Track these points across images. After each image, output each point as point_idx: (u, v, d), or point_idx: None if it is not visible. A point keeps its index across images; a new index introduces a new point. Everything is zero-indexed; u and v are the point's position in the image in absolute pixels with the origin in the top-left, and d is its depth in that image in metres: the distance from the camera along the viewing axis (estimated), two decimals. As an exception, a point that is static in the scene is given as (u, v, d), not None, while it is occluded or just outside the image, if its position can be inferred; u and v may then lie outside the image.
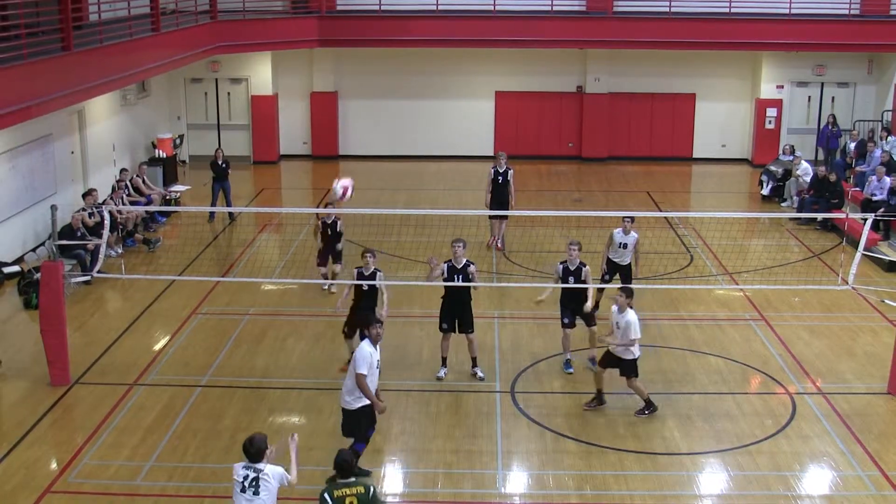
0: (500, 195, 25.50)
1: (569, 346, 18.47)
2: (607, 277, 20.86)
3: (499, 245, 25.55)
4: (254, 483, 11.31)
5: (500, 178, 25.42)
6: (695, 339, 20.03)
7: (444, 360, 18.30)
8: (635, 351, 16.43)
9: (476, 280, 17.98)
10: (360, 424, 14.60)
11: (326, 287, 22.56)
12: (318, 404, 17.00)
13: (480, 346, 18.84)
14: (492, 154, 37.64)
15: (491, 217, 25.73)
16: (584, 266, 18.06)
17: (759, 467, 15.13)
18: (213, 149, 30.30)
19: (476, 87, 37.78)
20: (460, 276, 17.79)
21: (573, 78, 37.70)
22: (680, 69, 37.14)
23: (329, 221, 22.46)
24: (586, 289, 18.01)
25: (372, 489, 11.44)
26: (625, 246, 20.52)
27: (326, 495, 11.38)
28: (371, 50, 36.32)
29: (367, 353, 14.37)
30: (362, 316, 16.91)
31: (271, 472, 11.43)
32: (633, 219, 20.53)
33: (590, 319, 18.33)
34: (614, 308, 16.53)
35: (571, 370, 18.37)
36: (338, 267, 22.66)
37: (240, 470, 11.41)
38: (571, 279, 18.04)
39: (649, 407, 16.67)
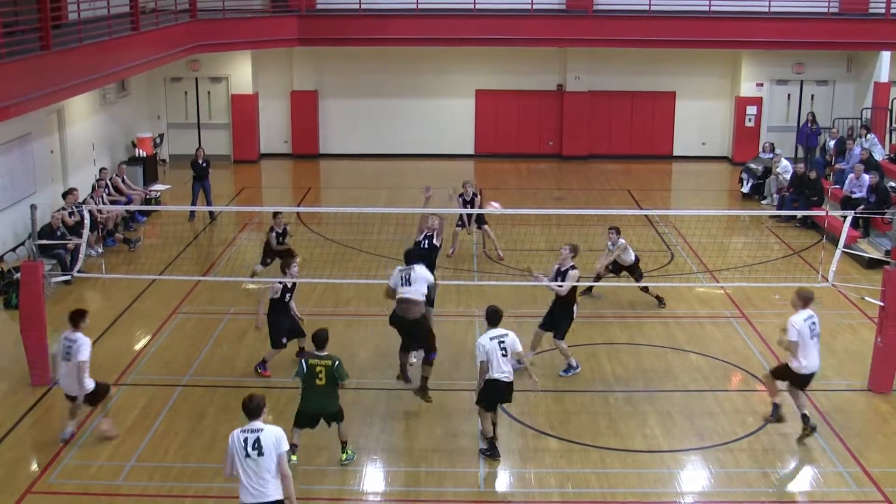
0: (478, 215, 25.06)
1: (536, 346, 18.58)
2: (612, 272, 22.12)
3: (500, 254, 25.15)
4: (256, 444, 11.43)
5: (467, 205, 24.91)
6: (676, 337, 20.08)
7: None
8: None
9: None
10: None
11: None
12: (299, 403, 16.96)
13: (461, 344, 18.92)
14: (472, 153, 37.80)
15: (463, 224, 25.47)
16: (574, 269, 18.00)
17: (740, 464, 15.18)
18: (194, 148, 30.24)
19: (456, 86, 37.79)
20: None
21: (553, 76, 37.75)
22: (660, 67, 37.23)
23: (280, 230, 22.73)
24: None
25: (338, 363, 14.30)
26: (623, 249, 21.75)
27: (303, 362, 14.46)
28: (351, 49, 36.29)
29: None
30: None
31: (269, 431, 11.55)
32: (617, 229, 21.79)
33: (559, 330, 18.31)
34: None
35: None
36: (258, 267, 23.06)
37: (238, 435, 11.55)
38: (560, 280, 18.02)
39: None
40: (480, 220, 24.99)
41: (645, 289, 21.89)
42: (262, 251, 23.20)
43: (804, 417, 15.82)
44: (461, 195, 25.04)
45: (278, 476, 11.53)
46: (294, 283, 18.07)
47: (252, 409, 11.65)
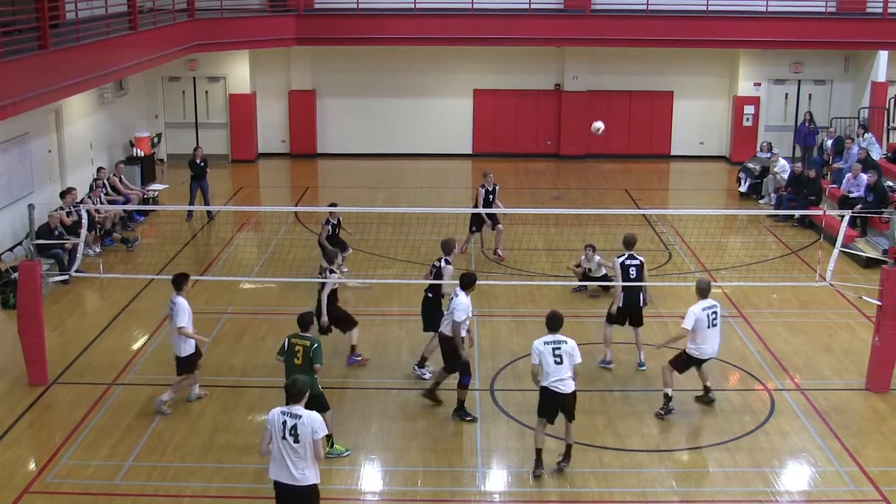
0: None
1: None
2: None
3: (500, 254, 25.02)
4: (293, 431, 11.43)
5: (489, 196, 24.85)
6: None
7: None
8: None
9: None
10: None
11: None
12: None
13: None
14: (470, 152, 37.81)
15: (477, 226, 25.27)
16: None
17: (737, 464, 15.18)
18: (191, 147, 30.22)
19: (454, 86, 37.80)
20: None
21: (551, 76, 37.76)
22: (658, 67, 37.24)
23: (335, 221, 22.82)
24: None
25: (316, 345, 14.60)
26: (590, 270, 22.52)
27: (287, 339, 14.86)
28: (349, 48, 36.28)
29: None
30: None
31: (308, 419, 11.50)
32: (594, 247, 22.72)
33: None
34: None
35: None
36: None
37: (278, 415, 11.55)
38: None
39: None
40: (495, 219, 24.73)
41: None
42: (322, 246, 23.04)
43: (706, 388, 16.89)
44: (483, 185, 24.84)
45: (314, 462, 11.61)
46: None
47: (294, 393, 11.67)
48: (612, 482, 14.65)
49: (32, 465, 14.98)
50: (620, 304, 18.40)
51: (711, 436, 16.02)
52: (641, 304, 18.50)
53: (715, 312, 16.27)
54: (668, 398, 16.62)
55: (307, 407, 14.60)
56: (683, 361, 16.45)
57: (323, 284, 18.15)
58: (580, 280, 22.55)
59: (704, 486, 14.76)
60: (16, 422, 16.32)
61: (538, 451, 14.76)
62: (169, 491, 14.30)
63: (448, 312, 16.35)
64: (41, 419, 16.51)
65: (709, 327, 16.19)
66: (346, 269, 22.71)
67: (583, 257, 22.67)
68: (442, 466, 15.07)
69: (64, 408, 16.84)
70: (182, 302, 16.34)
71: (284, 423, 11.46)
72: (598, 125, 25.62)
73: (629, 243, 18.37)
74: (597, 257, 22.50)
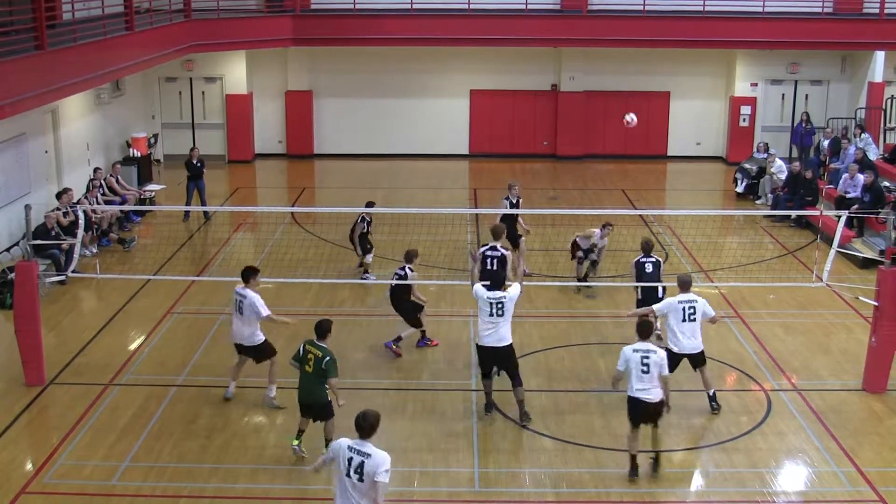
0: (511, 226, 23.15)
1: None
2: (580, 254, 22.80)
3: (527, 271, 23.79)
4: (359, 469, 10.82)
5: (513, 208, 23.77)
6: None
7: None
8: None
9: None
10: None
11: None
12: (294, 403, 16.89)
13: (456, 344, 18.95)
14: (467, 153, 37.81)
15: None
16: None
17: (734, 464, 15.18)
18: (188, 148, 30.20)
19: (451, 86, 37.79)
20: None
21: (548, 76, 37.77)
22: (654, 67, 37.25)
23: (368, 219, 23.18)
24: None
25: (328, 358, 14.39)
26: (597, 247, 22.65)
27: (303, 344, 14.76)
28: (346, 49, 36.28)
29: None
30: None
31: (375, 460, 10.85)
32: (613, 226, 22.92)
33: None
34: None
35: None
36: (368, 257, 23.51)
37: (345, 449, 10.95)
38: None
39: None
40: (515, 237, 23.43)
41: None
42: (354, 243, 23.44)
43: (710, 397, 16.77)
44: (506, 197, 23.77)
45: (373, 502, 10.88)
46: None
47: (365, 427, 10.95)
48: (609, 482, 14.65)
49: (29, 466, 14.97)
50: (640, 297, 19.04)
51: (708, 436, 16.03)
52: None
53: (693, 307, 16.30)
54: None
55: (315, 416, 14.66)
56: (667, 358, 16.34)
57: (405, 286, 19.07)
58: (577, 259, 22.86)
59: (701, 486, 14.76)
60: (13, 422, 16.31)
61: (632, 458, 14.63)
62: (166, 491, 14.29)
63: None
64: (38, 419, 16.51)
65: (684, 321, 16.25)
66: (373, 276, 22.82)
67: (597, 232, 22.46)
68: (439, 467, 15.07)
69: (61, 408, 16.83)
70: (252, 293, 16.60)
71: (350, 459, 10.85)
72: (631, 117, 26.23)
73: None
74: (605, 240, 22.67)
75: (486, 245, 18.64)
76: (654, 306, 16.56)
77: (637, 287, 19.13)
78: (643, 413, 14.52)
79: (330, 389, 14.57)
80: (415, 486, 14.57)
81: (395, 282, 19.01)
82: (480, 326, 16.00)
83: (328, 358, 14.39)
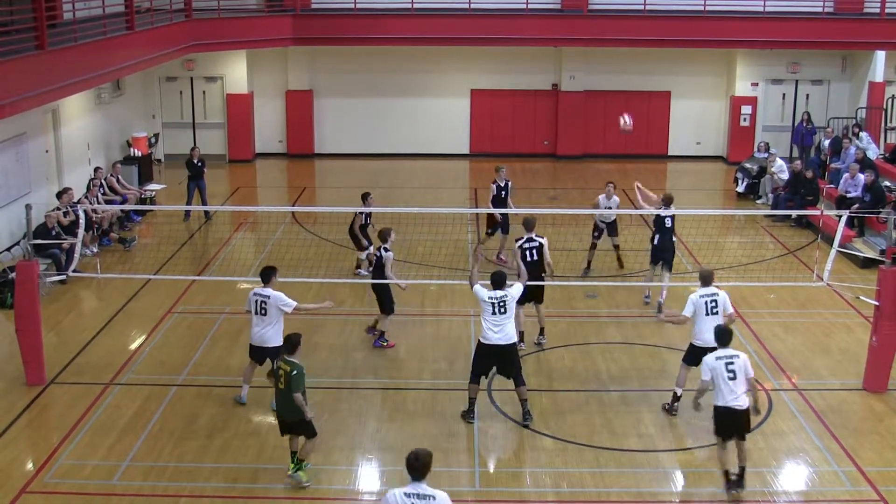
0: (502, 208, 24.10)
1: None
2: (596, 234, 23.91)
3: (503, 257, 24.55)
4: None
5: (502, 192, 24.55)
6: (671, 336, 20.05)
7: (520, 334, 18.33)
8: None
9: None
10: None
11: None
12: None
13: (456, 344, 19.00)
14: (467, 152, 37.82)
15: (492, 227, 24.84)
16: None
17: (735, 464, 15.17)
18: (189, 147, 30.18)
19: (451, 85, 37.79)
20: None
21: (548, 76, 37.76)
22: (655, 67, 37.24)
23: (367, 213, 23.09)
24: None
25: (296, 372, 13.88)
26: (609, 208, 23.34)
27: (275, 362, 14.40)
28: (346, 48, 36.28)
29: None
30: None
31: (440, 499, 10.34)
32: (614, 184, 23.82)
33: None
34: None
35: None
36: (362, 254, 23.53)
37: (403, 499, 10.38)
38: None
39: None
40: (506, 224, 24.45)
41: (616, 246, 24.14)
42: (355, 236, 23.45)
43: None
44: (494, 181, 24.58)
45: None
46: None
47: (419, 468, 10.36)
48: (609, 482, 14.65)
49: (30, 465, 14.98)
50: (656, 243, 21.20)
51: (709, 436, 15.98)
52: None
53: (714, 301, 16.17)
54: (676, 397, 16.63)
55: (295, 431, 14.25)
56: (691, 353, 16.35)
57: (381, 264, 18.98)
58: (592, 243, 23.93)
59: (702, 486, 14.75)
60: (13, 422, 16.31)
61: (726, 473, 14.31)
62: (166, 491, 14.29)
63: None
64: (38, 419, 16.51)
65: (707, 314, 16.13)
66: (365, 272, 22.87)
67: (602, 196, 23.38)
68: (439, 467, 14.99)
69: (61, 408, 16.83)
70: (275, 293, 16.34)
71: None
72: (626, 120, 27.00)
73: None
74: (615, 198, 23.54)
75: (522, 238, 18.84)
76: (684, 312, 16.27)
77: (653, 236, 21.41)
78: (736, 423, 14.08)
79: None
80: (415, 485, 14.55)
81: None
82: (485, 326, 15.90)
83: (295, 372, 13.90)
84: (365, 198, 22.98)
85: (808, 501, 14.36)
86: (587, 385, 17.76)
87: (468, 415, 16.44)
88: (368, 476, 14.94)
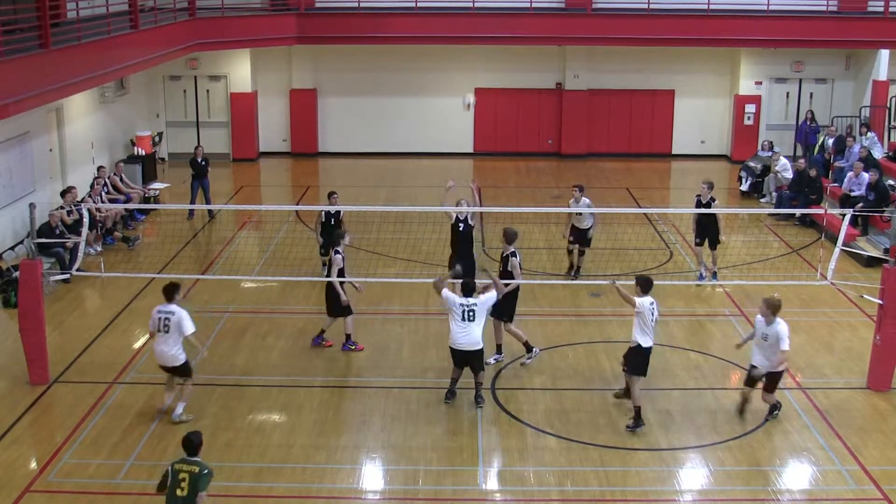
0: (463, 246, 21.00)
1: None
2: (571, 239, 23.37)
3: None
4: None
5: (460, 224, 20.82)
6: (675, 335, 20.07)
7: (497, 346, 18.70)
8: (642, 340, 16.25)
9: (518, 274, 18.28)
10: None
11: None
12: (299, 402, 16.99)
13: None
14: (471, 151, 37.82)
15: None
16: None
17: (738, 462, 15.18)
18: (193, 146, 30.16)
19: (455, 84, 37.78)
20: (501, 266, 18.40)
21: (552, 74, 37.74)
22: (659, 66, 37.22)
23: (332, 212, 22.28)
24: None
25: (206, 471, 11.78)
26: (579, 213, 22.75)
27: (170, 467, 11.89)
28: (350, 47, 36.28)
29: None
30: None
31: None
32: (582, 188, 22.83)
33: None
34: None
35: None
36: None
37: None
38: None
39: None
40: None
41: (582, 253, 23.56)
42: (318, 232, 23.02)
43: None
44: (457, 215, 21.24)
45: None
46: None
47: None
48: (613, 481, 14.65)
49: (33, 464, 14.99)
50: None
51: (713, 434, 16.01)
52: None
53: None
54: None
55: None
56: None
57: (331, 266, 18.58)
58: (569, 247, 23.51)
59: (706, 484, 14.75)
60: (17, 421, 16.32)
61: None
62: (170, 490, 14.29)
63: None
64: (42, 418, 16.51)
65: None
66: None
67: (571, 200, 22.90)
68: (443, 465, 15.07)
69: (65, 407, 16.84)
70: (180, 309, 16.14)
71: None
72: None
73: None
74: (585, 199, 22.76)
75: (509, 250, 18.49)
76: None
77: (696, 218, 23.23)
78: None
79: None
80: (419, 484, 14.57)
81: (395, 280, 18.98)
82: (453, 330, 16.39)
83: (206, 471, 11.86)
84: (330, 196, 22.59)
85: (811, 500, 14.37)
86: (591, 384, 17.76)
87: (448, 396, 17.01)
88: (372, 475, 14.94)
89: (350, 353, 18.92)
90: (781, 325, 16.15)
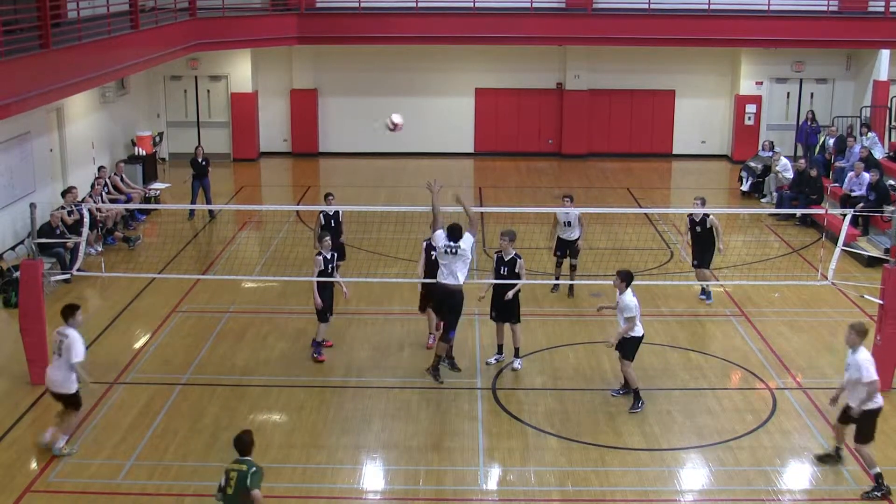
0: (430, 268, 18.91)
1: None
2: (559, 254, 22.38)
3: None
4: None
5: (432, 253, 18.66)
6: (675, 335, 20.07)
7: (499, 346, 18.69)
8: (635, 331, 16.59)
9: (523, 275, 18.31)
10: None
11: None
12: (299, 401, 16.98)
13: (461, 344, 18.89)
14: (472, 151, 37.80)
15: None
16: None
17: (739, 462, 15.17)
18: (193, 146, 30.16)
19: (456, 84, 37.78)
20: (506, 269, 18.14)
21: (553, 75, 37.74)
22: (659, 66, 37.23)
23: (331, 213, 22.00)
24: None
25: (255, 469, 11.84)
26: (569, 224, 21.93)
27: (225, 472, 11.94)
28: (351, 47, 36.29)
29: None
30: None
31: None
32: (571, 198, 22.10)
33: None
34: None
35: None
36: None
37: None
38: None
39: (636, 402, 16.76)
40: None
41: (573, 267, 22.54)
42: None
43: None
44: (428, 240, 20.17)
45: None
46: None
47: None
48: (613, 481, 14.64)
49: (34, 464, 14.98)
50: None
51: (713, 434, 16.01)
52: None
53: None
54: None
55: None
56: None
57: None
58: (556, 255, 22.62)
59: (706, 484, 14.74)
60: (17, 421, 16.32)
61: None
62: (171, 490, 14.28)
63: None
64: (42, 418, 16.47)
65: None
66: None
67: (560, 211, 22.07)
68: (444, 465, 15.06)
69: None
70: (76, 334, 15.07)
71: None
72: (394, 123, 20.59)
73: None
74: (574, 211, 21.87)
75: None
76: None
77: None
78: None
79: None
80: (420, 484, 14.56)
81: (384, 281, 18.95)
82: (440, 268, 17.03)
83: (254, 469, 11.91)
84: (326, 198, 22.44)
85: (812, 500, 14.36)
86: (592, 384, 17.75)
87: (433, 371, 17.49)
88: (373, 475, 14.93)
89: (350, 354, 18.91)
90: (862, 353, 14.64)
